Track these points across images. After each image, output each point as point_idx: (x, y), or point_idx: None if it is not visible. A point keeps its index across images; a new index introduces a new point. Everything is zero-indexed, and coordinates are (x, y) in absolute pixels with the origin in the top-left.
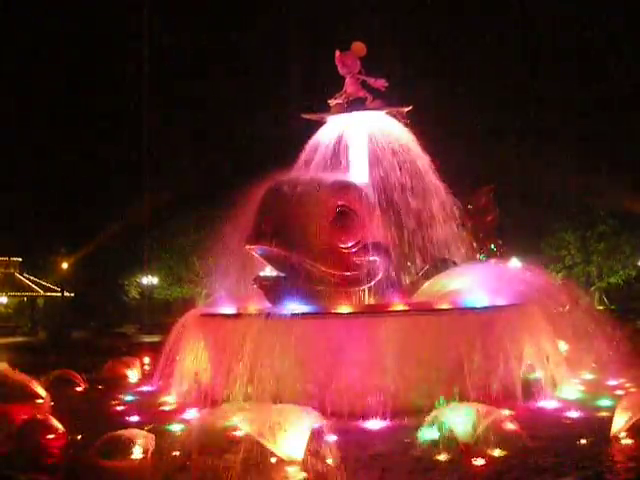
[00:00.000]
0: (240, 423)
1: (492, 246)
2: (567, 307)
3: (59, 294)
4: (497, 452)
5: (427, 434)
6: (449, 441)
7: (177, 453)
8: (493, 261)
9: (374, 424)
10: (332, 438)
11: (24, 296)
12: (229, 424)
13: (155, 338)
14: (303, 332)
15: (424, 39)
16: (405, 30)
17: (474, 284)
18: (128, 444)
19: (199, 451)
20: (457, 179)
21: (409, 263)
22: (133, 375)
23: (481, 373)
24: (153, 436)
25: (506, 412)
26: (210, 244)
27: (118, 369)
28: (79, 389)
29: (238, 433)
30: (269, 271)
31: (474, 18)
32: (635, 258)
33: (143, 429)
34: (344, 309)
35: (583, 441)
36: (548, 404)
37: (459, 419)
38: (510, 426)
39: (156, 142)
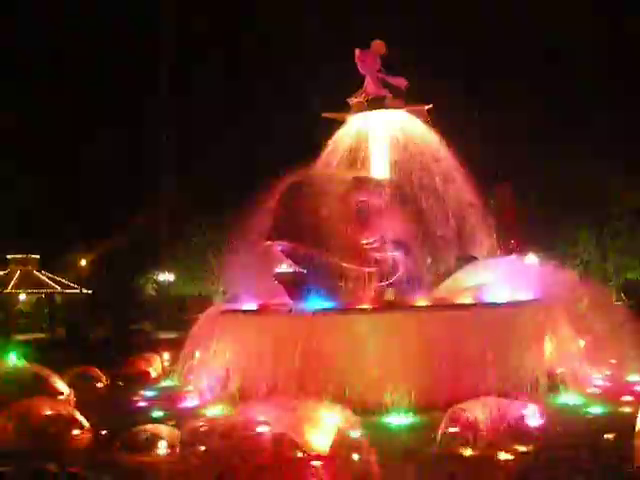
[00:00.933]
0: (267, 419)
1: (512, 241)
2: (585, 303)
3: (77, 291)
4: (522, 447)
5: (452, 428)
6: (474, 436)
7: (203, 448)
8: (512, 257)
9: (399, 419)
10: (358, 433)
11: (42, 293)
12: (254, 420)
13: (172, 334)
14: (326, 328)
15: (443, 37)
16: (423, 28)
17: (496, 279)
18: (153, 439)
19: (225, 447)
20: (477, 175)
21: (430, 259)
22: (154, 371)
23: (504, 368)
24: (179, 432)
25: (531, 407)
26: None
27: (139, 365)
28: (100, 385)
29: (263, 429)
30: (285, 267)
31: (491, 15)
32: None
33: (167, 424)
34: (367, 305)
35: (608, 436)
36: (570, 399)
37: (484, 413)
38: (535, 421)
39: (174, 141)
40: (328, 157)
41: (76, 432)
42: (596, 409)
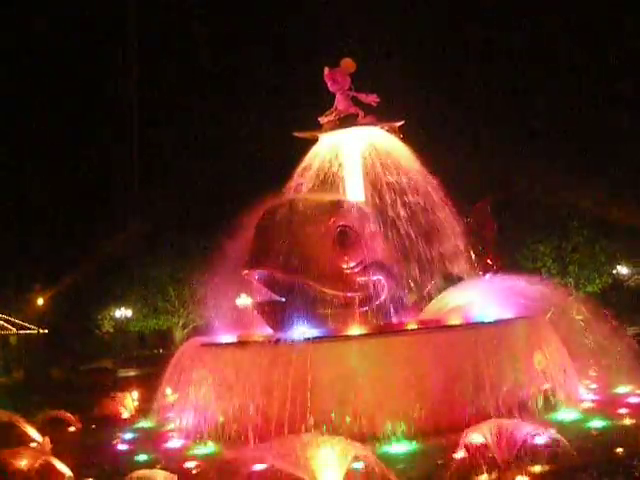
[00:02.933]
0: (271, 457)
1: (488, 260)
2: (550, 313)
3: (33, 331)
4: (538, 468)
5: (461, 454)
6: (485, 460)
7: None
8: (488, 275)
9: (399, 447)
10: (359, 465)
11: None
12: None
13: (133, 372)
14: (317, 357)
15: (413, 50)
16: (394, 43)
17: (480, 299)
18: None
19: None
20: (450, 192)
21: (412, 281)
22: (125, 411)
23: (497, 388)
24: (175, 476)
25: (537, 426)
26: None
27: (110, 406)
28: (73, 429)
29: (260, 468)
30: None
31: (467, 27)
32: (611, 266)
33: (155, 468)
34: (356, 331)
35: (619, 450)
36: (567, 415)
37: (494, 437)
38: (543, 440)
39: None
40: (300, 177)
41: None
42: (596, 423)
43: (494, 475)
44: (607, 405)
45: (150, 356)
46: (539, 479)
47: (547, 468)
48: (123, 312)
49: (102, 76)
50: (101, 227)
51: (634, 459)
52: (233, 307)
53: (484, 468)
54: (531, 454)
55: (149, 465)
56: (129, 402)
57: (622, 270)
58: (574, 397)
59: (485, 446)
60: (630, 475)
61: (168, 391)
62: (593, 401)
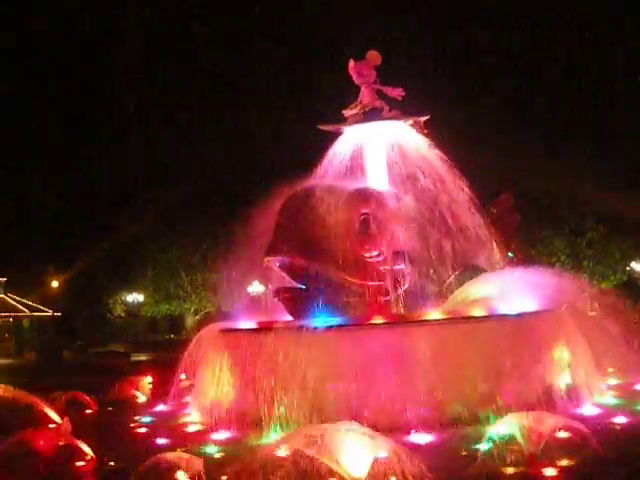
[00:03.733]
0: (296, 444)
1: (510, 253)
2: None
3: (45, 314)
4: (565, 461)
5: (488, 445)
6: (514, 452)
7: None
8: (508, 268)
9: (421, 438)
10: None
11: (10, 317)
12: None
13: (145, 356)
14: (341, 344)
15: (440, 48)
16: (420, 38)
17: (503, 291)
18: (174, 469)
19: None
20: (474, 186)
21: (434, 271)
22: (141, 395)
23: (521, 380)
24: (201, 460)
25: (563, 418)
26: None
27: (126, 390)
28: (89, 411)
29: (283, 453)
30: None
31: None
32: (625, 263)
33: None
34: (379, 320)
35: None
36: (589, 410)
37: (522, 429)
38: (570, 433)
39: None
40: (324, 170)
41: (81, 463)
42: (619, 419)
43: (521, 468)
44: (629, 400)
45: (162, 341)
46: (566, 472)
47: (573, 461)
48: (135, 297)
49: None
50: (117, 211)
51: None
52: (246, 294)
53: (511, 460)
54: (558, 447)
55: (170, 449)
56: (144, 386)
57: (636, 267)
58: (596, 391)
59: (512, 438)
60: None
61: (182, 376)
62: (614, 396)
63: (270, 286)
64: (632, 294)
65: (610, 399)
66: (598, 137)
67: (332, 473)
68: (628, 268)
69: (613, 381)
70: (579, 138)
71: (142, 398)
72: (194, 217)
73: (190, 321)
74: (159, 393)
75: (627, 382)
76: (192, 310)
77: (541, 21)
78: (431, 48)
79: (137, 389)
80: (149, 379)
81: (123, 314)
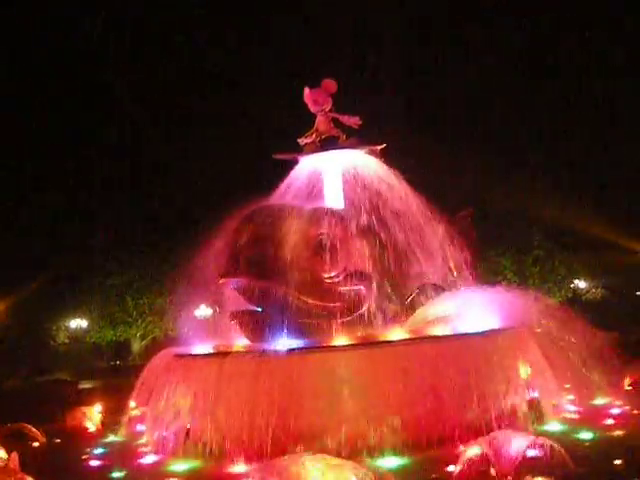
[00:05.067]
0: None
1: (467, 271)
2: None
3: None
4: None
5: (459, 467)
6: (486, 473)
7: None
8: (480, 286)
9: (390, 461)
10: None
11: None
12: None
13: (92, 384)
14: (303, 368)
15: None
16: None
17: (464, 309)
18: None
19: None
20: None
21: (394, 290)
22: (92, 425)
23: (485, 398)
24: None
25: (532, 438)
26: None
27: (75, 419)
28: (37, 444)
29: None
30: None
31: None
32: (570, 280)
33: None
34: (341, 341)
35: (618, 462)
36: (554, 427)
37: (493, 449)
38: (540, 452)
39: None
40: (280, 198)
41: None
42: (586, 435)
43: None
44: (591, 416)
45: (108, 368)
46: None
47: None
48: (78, 322)
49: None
50: (60, 236)
51: (632, 469)
52: (193, 318)
53: None
54: (529, 466)
55: None
56: (94, 415)
57: (580, 284)
58: (558, 408)
59: (483, 459)
60: None
61: (132, 404)
62: (576, 412)
63: (218, 309)
64: (577, 310)
65: (572, 415)
66: (547, 154)
67: None
68: (572, 285)
69: (571, 397)
70: (528, 155)
71: (92, 428)
72: (140, 241)
73: (136, 346)
74: (110, 422)
75: (584, 398)
76: (138, 335)
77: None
78: (387, 73)
79: (87, 418)
80: (98, 408)
81: (67, 340)
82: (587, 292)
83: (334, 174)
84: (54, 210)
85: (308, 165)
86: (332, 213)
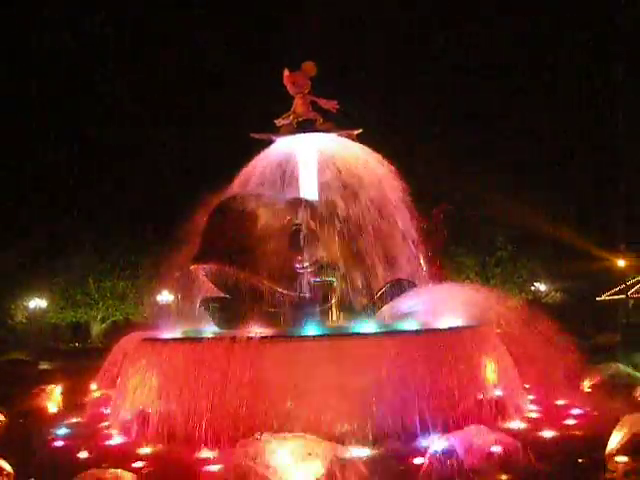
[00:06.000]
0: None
1: (434, 267)
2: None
3: None
4: (504, 476)
5: (422, 460)
6: (452, 466)
7: None
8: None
9: (357, 452)
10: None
11: None
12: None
13: (49, 365)
14: (272, 357)
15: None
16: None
17: (433, 305)
18: None
19: None
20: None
21: (365, 283)
22: (53, 406)
23: (448, 394)
24: (133, 476)
25: (498, 434)
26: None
27: (36, 400)
28: None
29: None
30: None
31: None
32: (531, 282)
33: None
34: (310, 332)
35: (580, 460)
36: (514, 424)
37: (465, 443)
38: (505, 448)
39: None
40: (248, 177)
41: None
42: (547, 434)
43: None
44: (552, 416)
45: (67, 349)
46: None
47: (510, 475)
48: (37, 302)
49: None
50: (24, 216)
51: (593, 466)
52: (155, 303)
53: (451, 475)
54: (494, 462)
55: (94, 464)
56: (56, 396)
57: (540, 287)
58: (521, 407)
59: (450, 453)
60: None
61: (94, 386)
62: (538, 411)
63: (180, 295)
64: (537, 312)
65: (534, 414)
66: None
67: None
68: (533, 287)
69: (532, 397)
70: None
71: (53, 408)
72: (104, 223)
73: (96, 329)
74: (71, 404)
75: (545, 398)
76: (99, 318)
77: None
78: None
79: (48, 399)
80: (59, 388)
81: (25, 320)
82: (547, 295)
83: (309, 156)
84: (20, 193)
85: (282, 146)
86: (306, 203)
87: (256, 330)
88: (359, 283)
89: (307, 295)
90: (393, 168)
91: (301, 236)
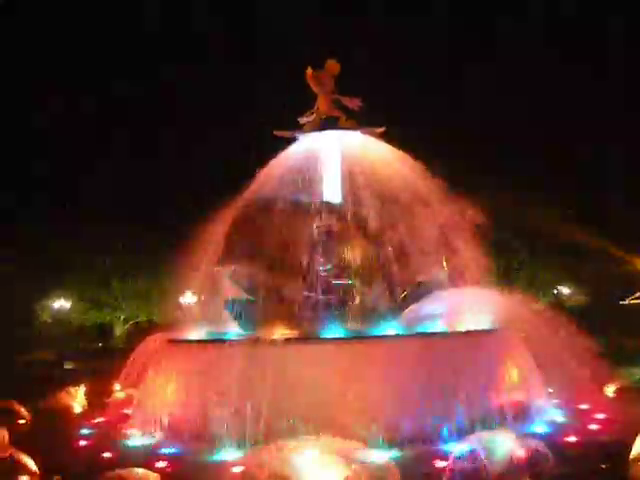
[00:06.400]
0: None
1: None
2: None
3: None
4: None
5: (445, 464)
6: (477, 471)
7: None
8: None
9: (379, 455)
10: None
11: None
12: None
13: (75, 365)
14: (296, 359)
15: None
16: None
17: (460, 309)
18: None
19: None
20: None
21: (387, 287)
22: (77, 405)
23: (472, 397)
24: (158, 475)
25: (521, 439)
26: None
27: (61, 399)
28: (23, 422)
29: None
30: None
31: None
32: (553, 285)
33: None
34: (333, 334)
35: (603, 466)
36: (538, 428)
37: (489, 447)
38: (529, 453)
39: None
40: (271, 175)
41: (24, 478)
42: (571, 438)
43: None
44: (576, 420)
45: (91, 350)
46: None
47: None
48: (62, 303)
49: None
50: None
51: (617, 473)
52: (178, 305)
53: (476, 478)
54: (517, 466)
55: (119, 464)
56: (80, 396)
57: (564, 290)
58: (544, 410)
59: (473, 457)
60: None
61: (117, 387)
62: (561, 416)
63: (204, 297)
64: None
65: (557, 418)
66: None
67: None
68: (556, 291)
69: (556, 401)
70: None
71: (78, 408)
72: (128, 224)
73: (119, 330)
74: (95, 404)
75: (568, 402)
76: (122, 319)
77: None
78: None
79: (72, 399)
80: (83, 389)
81: (49, 320)
82: (570, 298)
83: (332, 154)
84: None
85: (306, 143)
86: (329, 206)
87: (279, 332)
88: (381, 286)
89: (329, 297)
90: (417, 166)
91: (325, 239)
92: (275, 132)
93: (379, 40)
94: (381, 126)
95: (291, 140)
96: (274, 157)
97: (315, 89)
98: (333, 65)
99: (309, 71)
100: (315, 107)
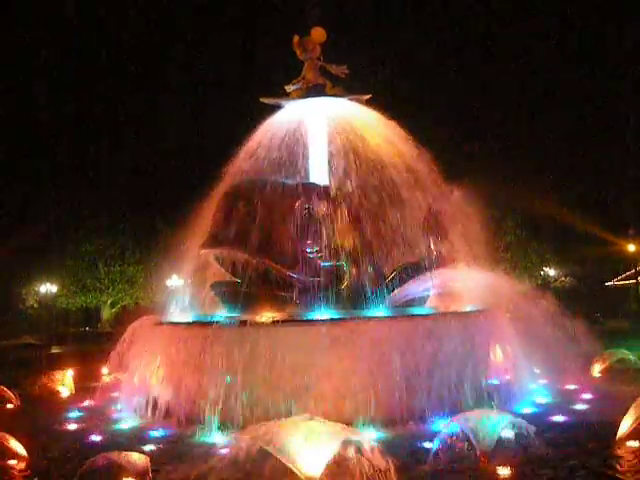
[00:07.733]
0: (248, 442)
1: (442, 249)
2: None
3: None
4: (514, 460)
5: (434, 443)
6: (464, 450)
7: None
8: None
9: (368, 435)
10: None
11: None
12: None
13: (59, 349)
14: (284, 340)
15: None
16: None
17: (443, 289)
18: (119, 469)
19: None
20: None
21: (374, 268)
22: (66, 389)
23: (460, 378)
24: (147, 457)
25: (508, 417)
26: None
27: (49, 383)
28: (11, 406)
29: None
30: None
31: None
32: (540, 267)
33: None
34: (320, 315)
35: (591, 445)
36: (525, 408)
37: (477, 427)
38: (515, 431)
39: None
40: (258, 143)
41: (13, 462)
42: (558, 418)
43: (475, 465)
44: (562, 400)
45: (77, 333)
46: (519, 470)
47: (521, 460)
48: (48, 287)
49: None
50: (34, 199)
51: (603, 453)
52: (164, 288)
53: (461, 458)
54: (505, 446)
55: (107, 447)
56: (68, 380)
57: (550, 272)
58: (531, 391)
59: (461, 437)
60: (603, 465)
61: (105, 370)
62: (548, 396)
63: (190, 280)
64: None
65: (544, 398)
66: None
67: (285, 472)
68: (542, 272)
69: (542, 381)
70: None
71: (65, 392)
72: (115, 209)
73: (106, 313)
74: (82, 387)
75: (556, 382)
76: (109, 302)
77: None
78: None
79: (59, 383)
80: (70, 372)
81: (36, 305)
82: (556, 280)
83: (318, 121)
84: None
85: (293, 110)
86: (318, 188)
87: (267, 314)
88: (370, 267)
89: (317, 279)
90: (404, 134)
91: (310, 220)
92: (261, 99)
93: None
94: (367, 93)
95: (277, 107)
96: (260, 125)
97: (301, 56)
98: (319, 32)
99: (295, 38)
100: (301, 74)
